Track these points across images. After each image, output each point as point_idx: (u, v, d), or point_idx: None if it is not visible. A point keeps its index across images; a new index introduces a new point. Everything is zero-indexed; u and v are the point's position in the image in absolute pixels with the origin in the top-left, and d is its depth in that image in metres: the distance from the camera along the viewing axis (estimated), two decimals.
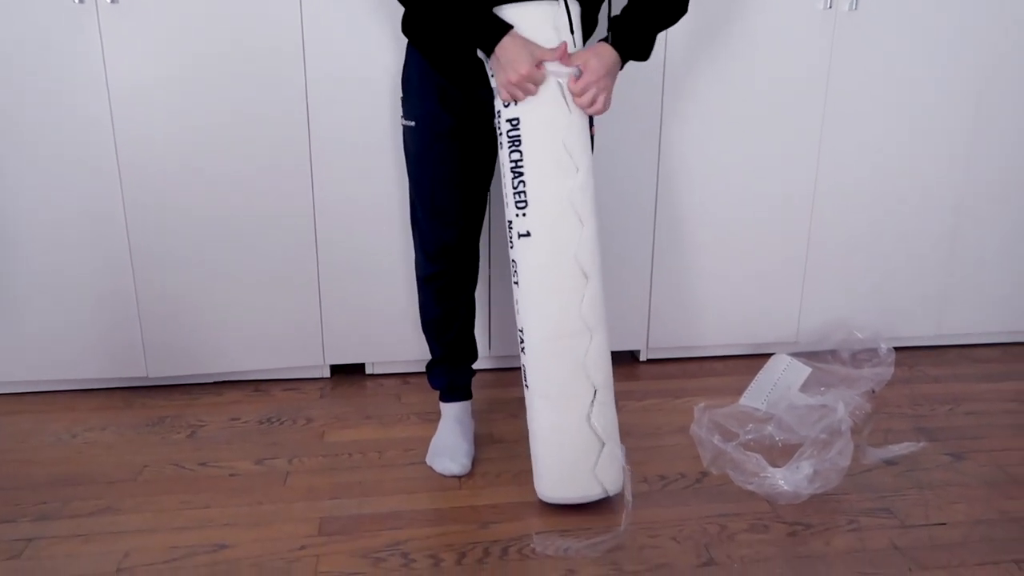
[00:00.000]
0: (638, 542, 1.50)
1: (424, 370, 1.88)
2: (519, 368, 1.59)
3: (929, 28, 2.06)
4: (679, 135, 2.05)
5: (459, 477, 1.70)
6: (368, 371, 2.19)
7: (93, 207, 1.89)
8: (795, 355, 2.14)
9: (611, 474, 1.56)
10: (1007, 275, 2.31)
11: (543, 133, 1.45)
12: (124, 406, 1.99)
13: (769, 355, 2.16)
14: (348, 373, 2.18)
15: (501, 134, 1.48)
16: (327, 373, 2.16)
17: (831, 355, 2.21)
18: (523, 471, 1.68)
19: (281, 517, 1.56)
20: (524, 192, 1.46)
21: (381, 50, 1.87)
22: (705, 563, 1.44)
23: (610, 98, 1.47)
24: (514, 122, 1.45)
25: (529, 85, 1.42)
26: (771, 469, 1.66)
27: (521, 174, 1.46)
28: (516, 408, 1.94)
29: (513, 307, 1.57)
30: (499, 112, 1.48)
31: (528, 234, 1.47)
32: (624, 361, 2.26)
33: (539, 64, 1.41)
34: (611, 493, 1.57)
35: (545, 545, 1.48)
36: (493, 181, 1.75)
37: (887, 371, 2.13)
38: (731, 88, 2.03)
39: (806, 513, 1.58)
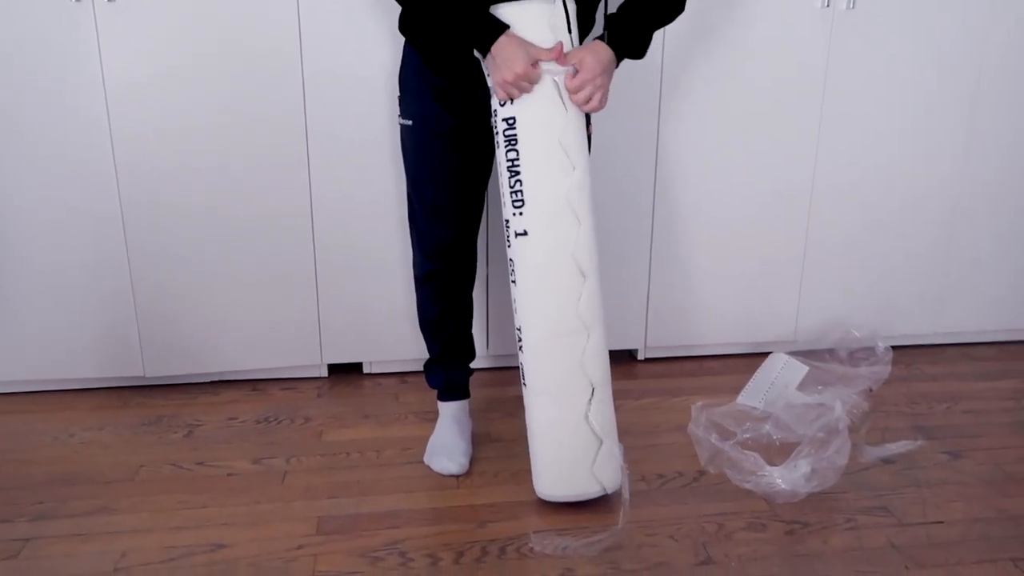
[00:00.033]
0: (636, 541, 1.50)
1: (422, 369, 1.88)
2: (517, 367, 1.59)
3: (927, 27, 2.06)
4: (676, 134, 2.05)
5: (457, 476, 1.70)
6: (366, 370, 2.19)
7: (90, 206, 1.89)
8: (793, 354, 2.14)
9: (609, 472, 1.56)
10: (1004, 274, 2.32)
11: (540, 132, 1.45)
12: (121, 406, 1.99)
13: (767, 354, 2.16)
14: (346, 372, 2.18)
15: (498, 133, 1.48)
16: (325, 372, 2.16)
17: (829, 354, 2.21)
18: (521, 470, 1.68)
19: (279, 516, 1.56)
20: (521, 191, 1.46)
21: (378, 48, 1.86)
22: (703, 562, 1.45)
23: (607, 96, 1.47)
24: (510, 121, 1.45)
25: (525, 84, 1.41)
26: (769, 468, 1.66)
27: (518, 173, 1.46)
28: (514, 407, 1.94)
29: (511, 306, 1.57)
30: (496, 111, 1.47)
31: (525, 233, 1.47)
32: (622, 360, 2.26)
33: (535, 63, 1.41)
34: (609, 491, 1.57)
35: (543, 544, 1.48)
36: (491, 180, 1.75)
37: (884, 370, 2.13)
38: (729, 87, 2.03)
39: (804, 512, 1.58)
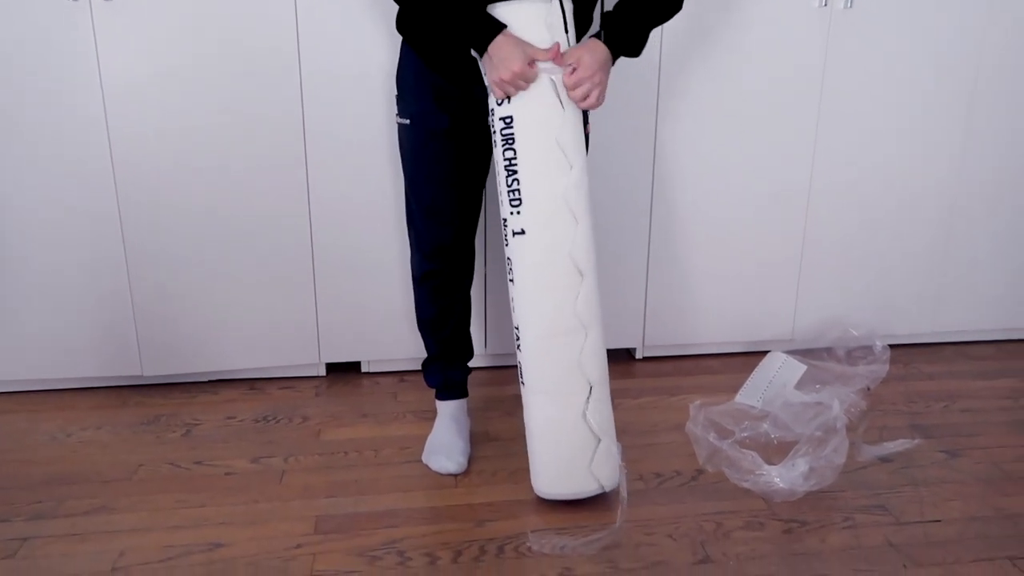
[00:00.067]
0: (634, 540, 1.50)
1: (420, 368, 1.88)
2: (515, 366, 1.59)
3: (925, 27, 2.06)
4: (674, 133, 2.05)
5: (455, 475, 1.70)
6: (364, 369, 2.19)
7: (88, 206, 1.89)
8: (791, 353, 2.14)
9: (607, 470, 1.56)
10: (1001, 273, 2.32)
11: (537, 131, 1.45)
12: (119, 405, 1.99)
13: (765, 353, 2.16)
14: (344, 371, 2.18)
15: (495, 132, 1.48)
16: (323, 371, 2.16)
17: (826, 352, 2.22)
18: (519, 469, 1.68)
19: (277, 516, 1.56)
20: (518, 190, 1.46)
21: (376, 48, 1.86)
22: (701, 560, 1.45)
23: (604, 93, 1.47)
24: (508, 120, 1.45)
25: (521, 83, 1.41)
26: (767, 467, 1.66)
27: (515, 172, 1.46)
28: (512, 406, 1.94)
29: (509, 305, 1.57)
30: (493, 110, 1.48)
31: (523, 232, 1.48)
32: (620, 359, 2.26)
33: (532, 62, 1.41)
34: (607, 489, 1.58)
35: (541, 543, 1.48)
36: (488, 179, 1.75)
37: (882, 368, 2.13)
38: (726, 86, 2.03)
39: (801, 510, 1.59)
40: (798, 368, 2.07)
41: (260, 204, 1.94)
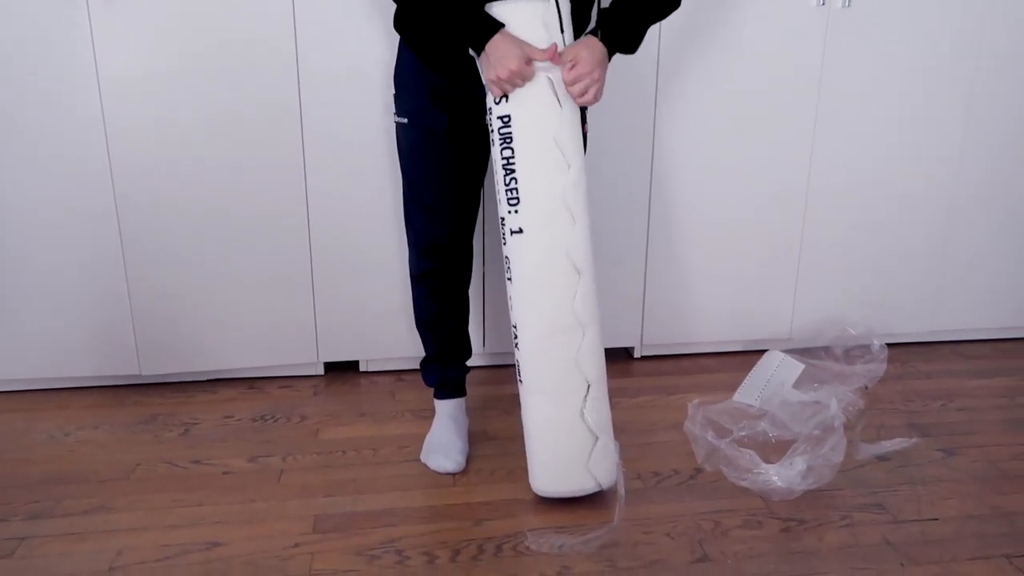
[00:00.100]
0: (632, 538, 1.50)
1: (418, 367, 1.88)
2: (513, 365, 1.59)
3: (923, 26, 2.06)
4: (672, 132, 2.05)
5: (453, 474, 1.70)
6: (362, 368, 2.19)
7: (86, 205, 1.88)
8: (788, 352, 2.14)
9: (604, 468, 1.57)
10: (998, 272, 2.32)
11: (535, 130, 1.45)
12: (117, 404, 1.99)
13: (763, 352, 2.16)
14: (342, 370, 2.18)
15: (493, 131, 1.48)
16: (321, 371, 2.16)
17: (824, 351, 2.22)
18: (517, 468, 1.68)
19: (275, 515, 1.56)
20: (516, 189, 1.46)
21: (374, 46, 1.86)
22: (699, 559, 1.45)
23: (602, 89, 1.47)
24: (505, 119, 1.45)
25: (518, 81, 1.41)
26: (764, 465, 1.66)
27: (513, 171, 1.46)
28: (510, 405, 1.94)
29: (507, 303, 1.57)
30: (491, 109, 1.48)
31: (521, 231, 1.48)
32: (618, 358, 2.26)
33: (529, 61, 1.41)
34: (604, 487, 1.58)
35: (539, 542, 1.48)
36: (486, 178, 1.75)
37: (880, 367, 2.14)
38: (724, 86, 2.03)
39: (799, 509, 1.59)
40: (796, 367, 2.07)
41: (258, 203, 1.94)
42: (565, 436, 1.54)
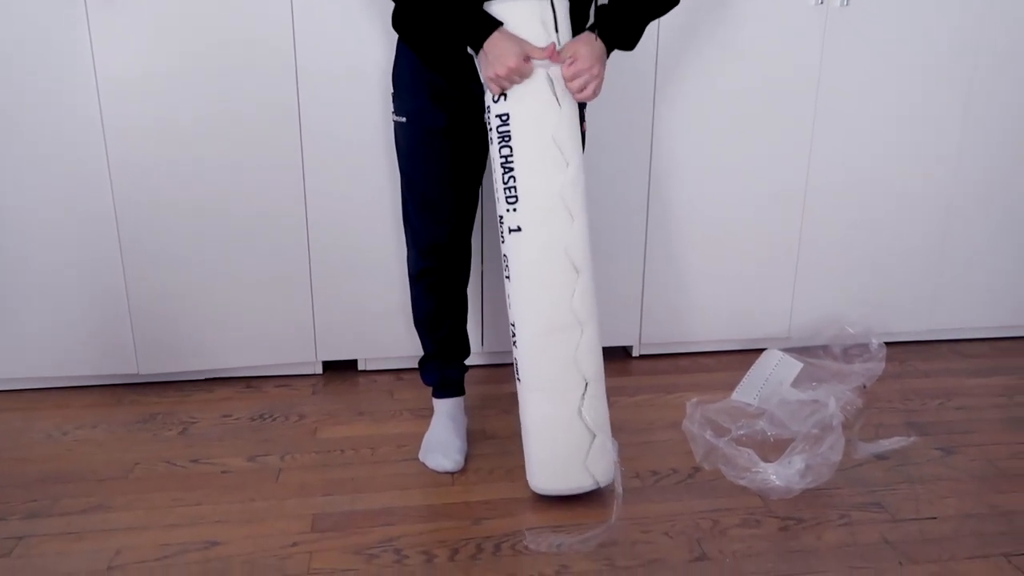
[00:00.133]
0: (630, 537, 1.50)
1: (417, 366, 1.88)
2: (512, 363, 1.59)
3: (921, 25, 2.06)
4: (671, 131, 2.05)
5: (452, 473, 1.70)
6: (360, 367, 2.19)
7: (83, 204, 1.88)
8: (787, 350, 2.14)
9: (602, 465, 1.57)
10: (996, 271, 2.32)
11: (533, 128, 1.45)
12: (115, 403, 1.99)
13: (761, 350, 2.16)
14: (340, 369, 2.17)
15: (491, 129, 1.48)
16: (319, 369, 2.16)
17: (823, 350, 2.22)
18: (516, 467, 1.68)
19: (273, 514, 1.56)
20: (515, 187, 1.46)
21: (372, 45, 1.86)
22: (697, 558, 1.45)
23: (601, 85, 1.47)
24: (504, 117, 1.45)
25: (516, 78, 1.41)
26: (763, 464, 1.66)
27: (511, 169, 1.46)
28: (509, 404, 1.94)
29: (505, 302, 1.57)
30: (489, 107, 1.47)
31: (519, 229, 1.48)
32: (617, 357, 2.26)
33: (527, 58, 1.41)
34: (602, 484, 1.58)
35: (538, 541, 1.48)
36: (485, 176, 1.75)
37: (878, 366, 2.14)
38: (723, 85, 2.03)
39: (798, 508, 1.59)
40: (794, 366, 2.07)
41: (257, 202, 1.94)
42: (563, 434, 1.54)
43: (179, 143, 1.87)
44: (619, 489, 1.53)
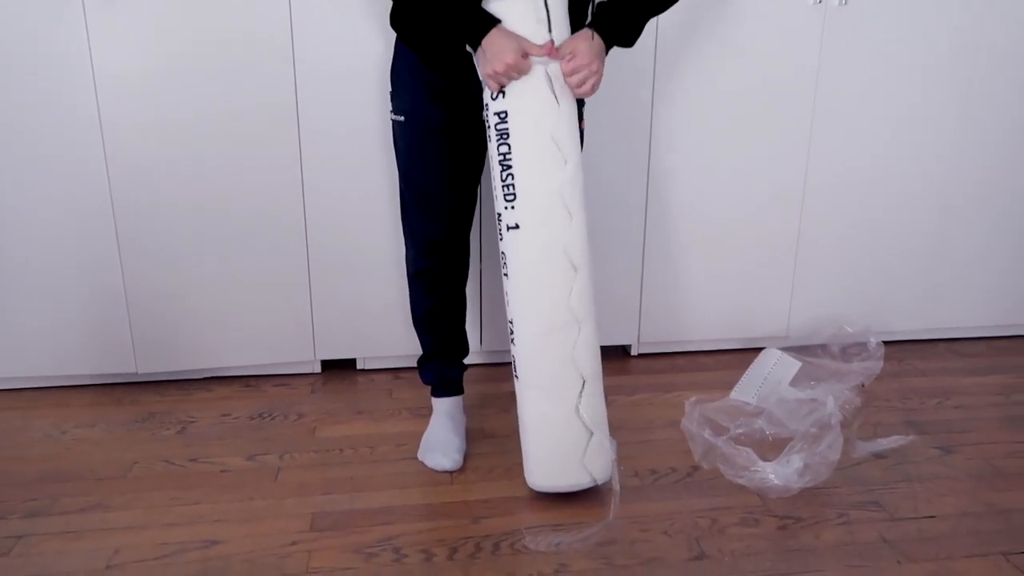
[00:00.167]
0: (629, 536, 1.50)
1: (415, 365, 1.87)
2: (510, 362, 1.59)
3: (920, 24, 2.06)
4: (670, 130, 2.05)
5: (451, 472, 1.70)
6: (359, 366, 2.19)
7: (81, 203, 1.88)
8: (785, 349, 2.14)
9: (599, 463, 1.57)
10: (993, 270, 2.33)
11: (532, 126, 1.45)
12: (114, 402, 1.99)
13: (760, 349, 2.16)
14: (339, 368, 2.17)
15: (490, 127, 1.48)
16: (318, 369, 2.16)
17: (821, 349, 2.22)
18: (515, 466, 1.68)
19: (272, 513, 1.56)
20: (513, 185, 1.46)
21: (371, 43, 1.86)
22: (696, 557, 1.45)
23: (600, 81, 1.47)
24: (502, 115, 1.45)
25: (514, 74, 1.41)
26: (761, 463, 1.66)
27: (510, 167, 1.46)
28: (508, 403, 1.94)
29: (504, 300, 1.57)
30: (487, 105, 1.47)
31: (517, 227, 1.48)
32: (615, 355, 2.26)
33: (525, 55, 1.41)
34: (599, 482, 1.58)
35: (537, 540, 1.48)
36: (484, 175, 1.75)
37: (876, 365, 2.14)
38: (721, 84, 2.03)
39: (796, 506, 1.59)
40: (793, 365, 2.08)
41: (255, 201, 1.94)
42: (560, 431, 1.54)
43: (177, 142, 1.87)
44: (616, 487, 1.53)
